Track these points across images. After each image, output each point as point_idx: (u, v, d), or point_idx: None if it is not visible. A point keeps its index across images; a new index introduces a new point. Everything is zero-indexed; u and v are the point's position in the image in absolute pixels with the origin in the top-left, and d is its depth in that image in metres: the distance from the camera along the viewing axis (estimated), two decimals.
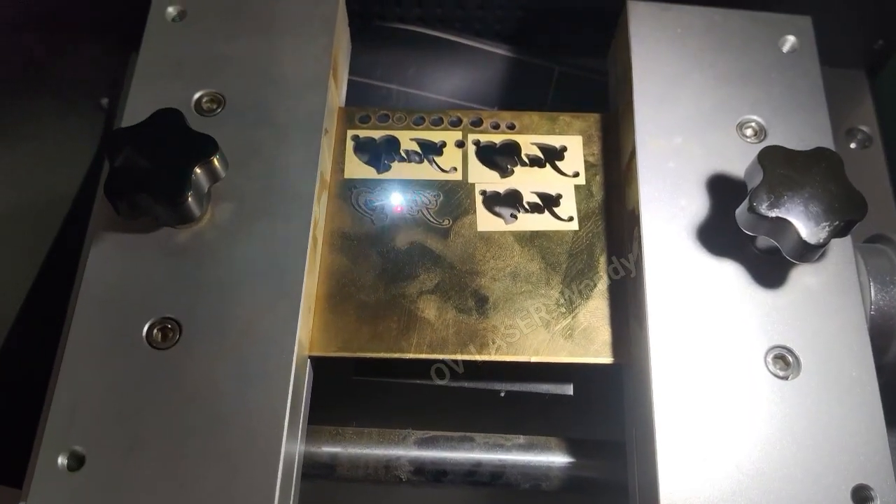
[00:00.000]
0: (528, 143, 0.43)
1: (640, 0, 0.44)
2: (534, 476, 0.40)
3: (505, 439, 0.40)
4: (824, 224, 0.34)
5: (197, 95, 0.41)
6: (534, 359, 0.38)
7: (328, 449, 0.40)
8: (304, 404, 0.37)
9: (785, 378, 0.35)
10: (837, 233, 0.34)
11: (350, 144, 0.43)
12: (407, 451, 0.40)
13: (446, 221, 0.41)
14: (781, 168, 0.35)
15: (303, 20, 0.43)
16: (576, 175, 0.43)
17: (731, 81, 0.42)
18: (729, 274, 0.37)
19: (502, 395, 0.40)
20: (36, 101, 0.55)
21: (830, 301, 0.37)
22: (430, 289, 0.39)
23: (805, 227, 0.34)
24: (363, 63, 0.56)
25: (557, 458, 0.40)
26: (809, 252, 0.34)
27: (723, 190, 0.39)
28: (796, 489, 0.33)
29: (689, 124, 0.40)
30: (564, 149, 0.43)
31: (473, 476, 0.40)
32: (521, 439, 0.40)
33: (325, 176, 0.41)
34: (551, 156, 0.43)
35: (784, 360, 0.35)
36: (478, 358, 0.38)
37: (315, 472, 0.39)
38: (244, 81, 0.41)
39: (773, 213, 0.34)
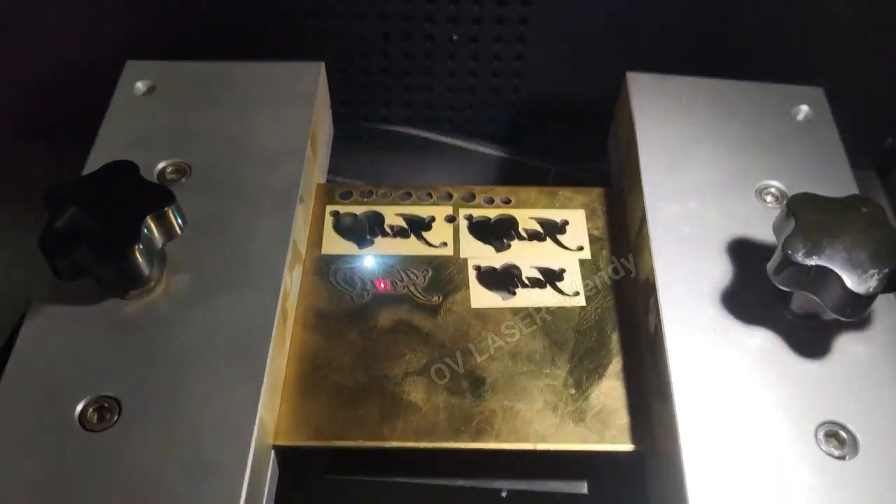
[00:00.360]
0: (526, 218, 0.39)
1: (640, 73, 0.42)
2: None
3: None
4: (872, 271, 0.29)
5: (160, 165, 0.37)
6: (540, 446, 0.32)
7: None
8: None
9: (841, 458, 0.29)
10: (888, 282, 0.29)
11: (329, 221, 0.39)
12: None
13: (436, 298, 0.36)
14: (815, 214, 0.31)
15: (280, 95, 0.40)
16: (580, 249, 0.38)
17: (745, 150, 0.39)
18: (763, 342, 0.32)
19: (503, 494, 0.34)
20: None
21: (883, 370, 0.31)
22: (417, 370, 0.34)
23: (850, 275, 0.29)
24: (349, 166, 0.53)
25: None
26: (857, 305, 0.29)
27: (746, 254, 0.35)
28: None
29: (704, 190, 0.37)
30: (566, 223, 0.39)
31: None
32: None
33: (299, 247, 0.36)
34: (552, 230, 0.39)
35: (838, 438, 0.30)
36: (474, 447, 0.32)
37: None
38: (213, 152, 0.38)
39: (811, 262, 0.29)
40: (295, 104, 0.40)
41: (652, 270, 0.34)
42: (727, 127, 0.39)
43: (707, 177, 0.37)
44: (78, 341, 0.31)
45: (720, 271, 0.34)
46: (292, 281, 0.35)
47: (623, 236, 0.39)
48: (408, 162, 0.55)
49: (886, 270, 0.29)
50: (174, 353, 0.31)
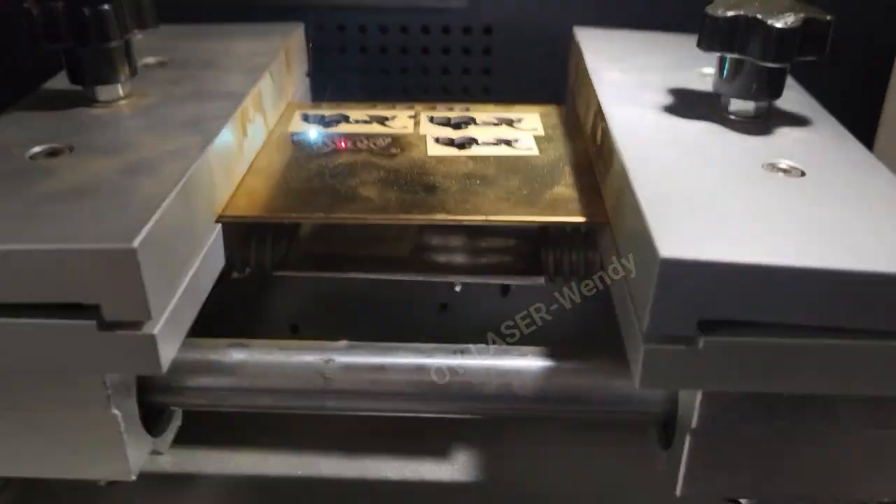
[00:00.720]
0: (484, 115, 0.42)
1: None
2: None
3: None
4: (788, 14, 0.31)
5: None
6: (492, 217, 0.31)
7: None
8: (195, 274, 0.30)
9: (787, 171, 0.29)
10: (804, 27, 0.31)
11: (297, 116, 0.41)
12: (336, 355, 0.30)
13: (395, 150, 0.37)
14: None
15: (256, 34, 0.45)
16: (534, 129, 0.40)
17: (686, 54, 0.42)
18: (700, 129, 0.33)
19: (457, 288, 0.32)
20: None
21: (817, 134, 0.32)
22: (371, 181, 0.34)
23: (767, 17, 0.31)
24: None
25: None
26: (781, 43, 0.31)
27: (685, 95, 0.36)
28: None
29: (647, 69, 0.39)
30: (521, 119, 0.41)
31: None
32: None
33: (264, 107, 0.38)
34: (509, 122, 0.41)
35: (783, 170, 0.30)
36: (423, 219, 0.31)
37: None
38: (188, 53, 0.41)
39: (730, 13, 0.32)
40: (271, 36, 0.44)
41: (597, 100, 0.35)
42: (668, 48, 0.43)
43: (651, 63, 0.40)
44: (41, 123, 0.33)
45: (662, 98, 0.36)
46: (254, 117, 0.36)
47: (576, 130, 0.41)
48: None
49: (802, 15, 0.31)
50: (132, 126, 0.32)
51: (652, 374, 0.25)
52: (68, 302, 0.25)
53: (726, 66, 0.33)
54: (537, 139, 0.39)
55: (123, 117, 0.33)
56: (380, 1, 0.54)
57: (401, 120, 0.41)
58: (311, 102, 0.44)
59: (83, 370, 0.26)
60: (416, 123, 0.41)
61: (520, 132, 0.40)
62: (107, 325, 0.25)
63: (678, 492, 0.27)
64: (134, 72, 0.35)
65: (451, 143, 0.38)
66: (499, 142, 0.38)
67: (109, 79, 0.34)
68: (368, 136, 0.39)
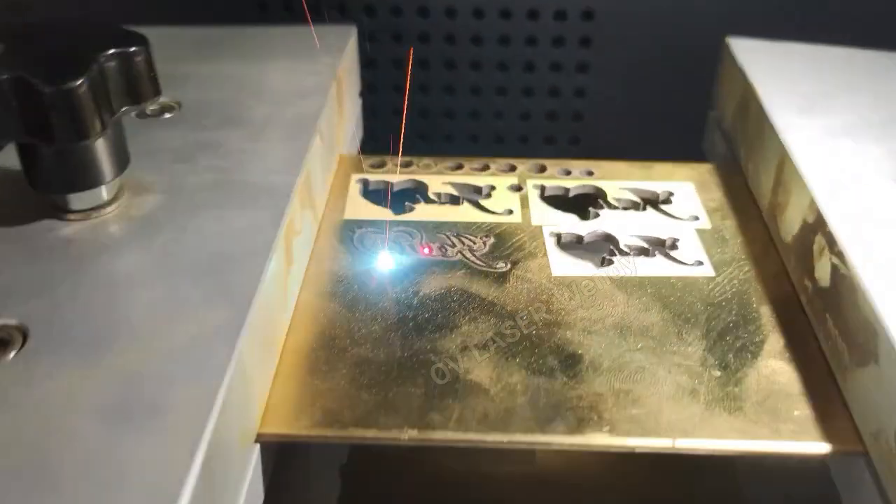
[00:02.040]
0: (617, 189, 0.30)
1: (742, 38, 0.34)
2: None
3: None
4: None
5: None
6: (681, 444, 0.20)
7: None
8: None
9: None
10: None
11: (355, 189, 0.29)
12: None
13: (501, 265, 0.26)
14: None
15: (300, 49, 0.32)
16: (695, 219, 0.28)
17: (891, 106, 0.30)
18: None
19: None
20: None
21: None
22: (479, 343, 0.23)
23: None
24: None
25: None
26: None
27: None
28: None
29: (857, 131, 0.27)
30: (671, 194, 0.29)
31: None
32: None
33: (313, 193, 0.26)
34: (653, 201, 0.29)
35: None
36: (575, 442, 0.20)
37: None
38: (211, 91, 0.29)
39: None
40: (320, 53, 0.32)
41: (812, 206, 0.24)
42: (866, 84, 0.31)
43: (858, 119, 0.28)
44: None
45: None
46: (302, 219, 0.25)
47: (749, 209, 0.29)
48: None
49: None
50: (119, 274, 0.21)
51: None
52: None
53: None
54: (702, 237, 0.27)
55: (107, 248, 0.22)
56: None
57: (500, 195, 0.29)
58: (369, 158, 0.31)
59: None
60: (524, 201, 0.29)
61: (675, 224, 0.28)
62: None
63: None
64: (125, 164, 0.23)
65: (580, 244, 0.27)
66: (651, 247, 0.27)
67: (88, 184, 0.22)
68: (460, 234, 0.27)
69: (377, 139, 0.40)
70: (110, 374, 0.18)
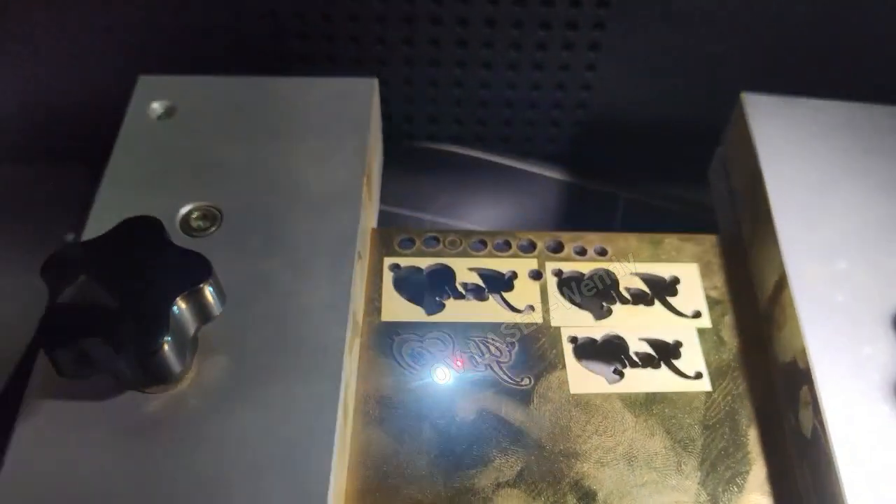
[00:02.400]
0: (628, 275, 0.32)
1: (759, 94, 0.34)
2: None
3: None
4: None
5: (184, 210, 0.30)
6: None
7: None
8: None
9: None
10: None
11: (388, 277, 0.32)
12: None
13: (526, 380, 0.29)
14: None
15: (327, 118, 0.33)
16: (697, 316, 0.31)
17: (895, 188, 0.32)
18: None
19: None
20: None
21: None
22: (510, 479, 0.27)
23: None
24: (392, 189, 0.45)
25: None
26: None
27: None
28: None
29: (854, 242, 0.30)
30: (677, 280, 0.32)
31: None
32: None
33: (357, 317, 0.29)
34: (660, 290, 0.32)
35: None
36: None
37: None
38: (248, 193, 0.31)
39: None
40: (345, 131, 0.33)
41: (803, 353, 0.27)
42: (871, 161, 0.33)
43: (856, 223, 0.30)
44: (83, 452, 0.24)
45: (889, 353, 0.27)
46: (352, 364, 0.28)
47: (748, 296, 0.32)
48: (457, 185, 0.48)
49: None
50: (207, 476, 0.24)
51: None
52: None
53: None
54: (702, 338, 0.31)
55: (187, 436, 0.25)
56: None
57: (523, 287, 0.32)
58: (397, 232, 0.33)
59: None
60: (544, 295, 0.31)
61: (679, 324, 0.31)
62: None
63: None
64: (195, 351, 0.26)
65: (594, 350, 0.30)
66: (657, 356, 0.30)
67: (166, 381, 0.25)
68: (488, 342, 0.30)
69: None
70: None
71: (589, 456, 0.28)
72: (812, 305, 0.28)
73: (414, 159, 0.49)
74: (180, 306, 0.23)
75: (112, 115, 0.33)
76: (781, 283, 0.29)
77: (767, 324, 0.30)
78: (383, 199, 0.42)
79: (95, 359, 0.22)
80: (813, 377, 0.26)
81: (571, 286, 0.32)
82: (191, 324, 0.24)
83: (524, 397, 0.29)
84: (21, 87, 0.45)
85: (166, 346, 0.23)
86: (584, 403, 0.29)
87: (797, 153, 0.33)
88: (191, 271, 0.23)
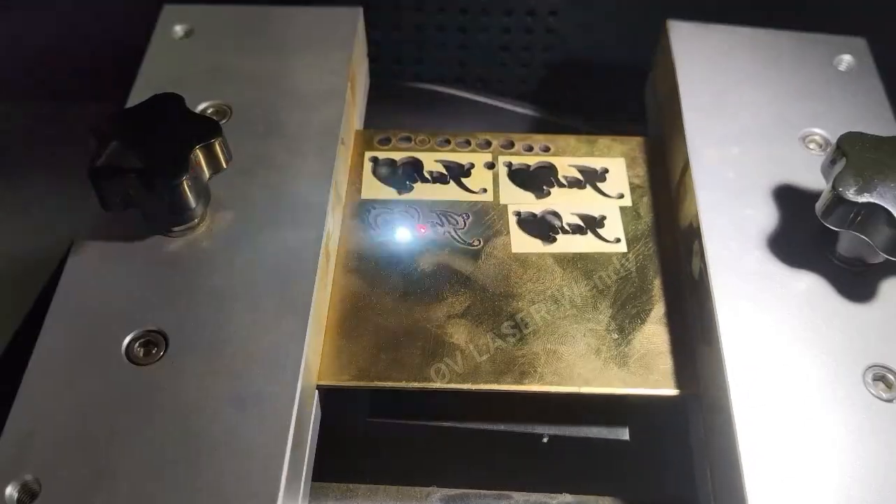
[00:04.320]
0: (566, 166, 0.39)
1: (681, 21, 0.41)
2: None
3: (549, 498, 0.33)
4: None
5: (201, 107, 0.37)
6: (584, 389, 0.32)
7: None
8: (308, 445, 0.31)
9: (889, 401, 0.29)
10: None
11: (368, 166, 0.39)
12: None
13: (476, 242, 0.36)
14: (867, 152, 0.30)
15: (319, 39, 0.40)
16: (620, 196, 0.38)
17: (789, 97, 0.38)
18: (808, 287, 0.32)
19: (545, 440, 0.34)
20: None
21: None
22: (459, 312, 0.34)
23: None
24: (380, 123, 0.52)
25: None
26: None
27: (791, 199, 0.34)
28: None
29: (747, 136, 0.36)
30: (606, 171, 0.39)
31: None
32: (569, 498, 0.34)
33: (339, 189, 0.36)
34: (592, 178, 0.39)
35: (885, 381, 0.29)
36: (517, 389, 0.32)
37: None
38: (253, 93, 0.38)
39: (862, 199, 0.29)
40: (334, 48, 0.39)
41: (696, 215, 0.34)
42: (770, 74, 0.39)
43: (750, 123, 0.37)
44: (122, 276, 0.31)
45: (765, 216, 0.34)
46: (334, 222, 0.35)
47: (664, 185, 0.38)
48: (440, 120, 0.55)
49: None
50: (219, 289, 0.31)
51: None
52: None
53: (847, 238, 0.31)
54: (624, 214, 0.37)
55: (205, 263, 0.32)
56: None
57: (478, 174, 0.38)
58: (377, 132, 0.40)
59: None
60: (496, 181, 0.38)
61: (605, 203, 0.38)
62: None
63: None
64: (209, 201, 0.33)
65: (533, 222, 0.37)
66: (585, 226, 0.37)
67: (186, 221, 0.32)
68: (447, 213, 0.37)
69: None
70: (227, 373, 0.29)
71: (523, 297, 0.34)
72: (706, 179, 0.35)
73: (400, 98, 0.55)
74: (196, 155, 0.30)
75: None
76: (685, 167, 0.36)
77: (675, 201, 0.37)
78: None
79: (132, 190, 0.29)
80: (701, 231, 0.33)
81: (519, 175, 0.39)
82: (205, 171, 0.31)
83: (474, 255, 0.36)
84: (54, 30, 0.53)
85: (185, 184, 0.29)
86: (523, 260, 0.35)
87: (709, 68, 0.39)
88: (205, 130, 0.30)
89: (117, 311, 0.30)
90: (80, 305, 0.31)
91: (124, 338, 0.30)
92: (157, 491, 0.26)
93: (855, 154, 0.30)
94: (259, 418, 0.28)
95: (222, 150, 0.31)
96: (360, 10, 0.41)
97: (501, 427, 0.34)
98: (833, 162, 0.31)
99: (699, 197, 0.34)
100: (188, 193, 0.30)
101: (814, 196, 0.33)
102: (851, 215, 0.30)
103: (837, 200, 0.30)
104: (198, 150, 0.30)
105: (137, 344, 0.30)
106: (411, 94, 0.55)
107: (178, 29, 0.40)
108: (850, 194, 0.29)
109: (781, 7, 0.46)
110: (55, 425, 0.28)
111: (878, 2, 0.48)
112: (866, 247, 0.31)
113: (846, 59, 0.40)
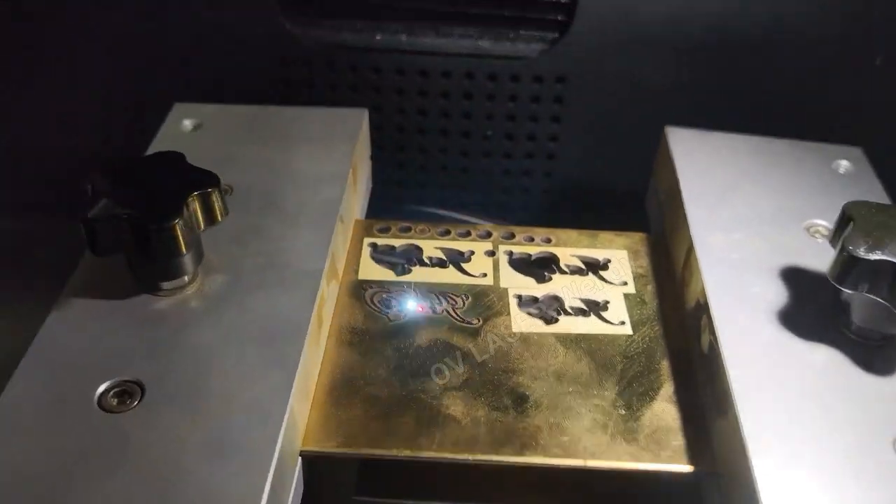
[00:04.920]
0: (568, 255, 0.38)
1: (679, 127, 0.42)
2: None
3: None
4: None
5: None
6: (591, 463, 0.29)
7: None
8: None
9: None
10: None
11: (367, 251, 0.38)
12: None
13: (475, 321, 0.35)
14: (874, 216, 0.30)
15: (324, 133, 0.41)
16: (624, 284, 0.37)
17: (790, 192, 0.38)
18: (825, 359, 0.30)
19: None
20: None
21: None
22: (456, 385, 0.32)
23: None
24: None
25: None
26: None
27: (798, 278, 0.33)
28: None
29: (750, 224, 0.36)
30: (608, 261, 0.38)
31: None
32: None
33: (336, 263, 0.35)
34: (594, 267, 0.38)
35: None
36: (517, 461, 0.29)
37: None
38: (255, 176, 0.38)
39: (873, 256, 0.28)
40: (339, 141, 0.40)
41: (703, 292, 0.33)
42: (770, 173, 0.39)
43: (752, 213, 0.37)
44: (103, 330, 0.30)
45: (774, 293, 0.33)
46: (329, 291, 0.34)
47: (668, 274, 0.38)
48: None
49: None
50: (203, 345, 0.30)
51: None
52: None
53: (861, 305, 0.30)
54: (628, 300, 0.36)
55: (192, 321, 0.30)
56: (444, 45, 0.49)
57: (478, 260, 0.38)
58: (377, 222, 0.40)
59: None
60: (496, 266, 0.37)
61: (609, 289, 0.37)
62: None
63: None
64: (201, 259, 0.32)
65: (536, 306, 0.36)
66: (588, 309, 0.36)
67: (175, 277, 0.31)
68: (446, 294, 0.36)
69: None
70: (203, 423, 0.27)
71: (524, 372, 0.32)
72: (712, 260, 0.34)
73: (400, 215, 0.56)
74: (191, 202, 0.29)
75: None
76: (690, 250, 0.35)
77: (681, 284, 0.36)
78: None
79: (124, 232, 0.29)
80: (709, 305, 0.32)
81: (520, 263, 0.38)
82: (199, 220, 0.30)
83: (473, 332, 0.34)
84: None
85: (177, 228, 0.29)
86: (524, 339, 0.34)
87: (709, 166, 0.40)
88: (202, 179, 0.30)
89: (94, 361, 0.29)
90: (56, 355, 0.29)
91: (98, 387, 0.28)
92: None
93: (861, 217, 0.30)
94: (235, 472, 0.25)
95: (219, 201, 0.30)
96: (366, 111, 0.43)
97: None
98: (840, 229, 0.31)
99: (705, 274, 0.33)
100: (180, 241, 0.29)
101: (822, 278, 0.32)
102: (863, 274, 0.29)
103: (849, 260, 0.29)
104: (194, 197, 0.29)
105: (111, 393, 0.28)
106: (411, 214, 0.56)
107: (188, 123, 0.41)
108: (861, 252, 0.28)
109: (776, 126, 0.48)
110: (30, 473, 0.25)
111: (873, 114, 0.50)
112: (883, 313, 0.29)
113: (844, 164, 0.40)
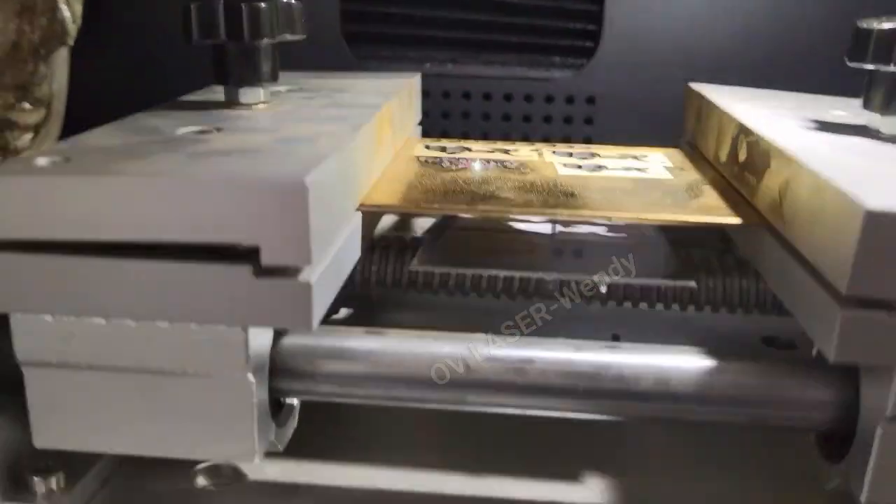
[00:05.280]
0: (607, 152, 0.41)
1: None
2: None
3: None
4: None
5: None
6: (644, 216, 0.30)
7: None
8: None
9: None
10: None
11: (420, 145, 0.41)
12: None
13: (525, 169, 0.37)
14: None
15: (376, 86, 0.46)
16: (662, 162, 0.39)
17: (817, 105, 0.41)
18: (866, 143, 0.32)
19: (603, 289, 0.31)
20: None
21: None
22: (509, 188, 0.33)
23: None
24: None
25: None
26: None
27: (830, 124, 0.35)
28: None
29: (780, 108, 0.39)
30: (646, 156, 0.41)
31: None
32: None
33: (392, 118, 0.38)
34: (633, 157, 0.40)
35: None
36: (571, 216, 0.30)
37: None
38: (318, 84, 0.42)
39: (887, 25, 0.31)
40: (391, 79, 0.45)
41: (738, 125, 0.35)
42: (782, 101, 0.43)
43: (784, 108, 0.39)
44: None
45: (808, 125, 0.35)
46: (385, 134, 0.36)
47: (705, 164, 0.40)
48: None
49: None
50: (273, 118, 0.32)
51: (850, 345, 0.23)
52: (224, 243, 0.23)
53: (880, 81, 0.32)
54: (667, 169, 0.38)
55: (267, 115, 0.33)
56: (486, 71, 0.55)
57: (524, 152, 0.41)
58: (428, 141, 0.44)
59: (230, 321, 0.24)
60: (540, 155, 0.40)
61: (648, 163, 0.39)
62: (263, 271, 0.24)
63: (863, 499, 0.24)
64: (276, 76, 0.35)
65: (579, 168, 0.38)
66: (629, 168, 0.38)
67: (253, 81, 0.34)
68: (495, 160, 0.38)
69: None
70: (278, 136, 0.29)
71: (574, 186, 0.34)
72: (748, 115, 0.37)
73: None
74: (278, 4, 0.33)
75: None
76: (721, 119, 0.38)
77: (716, 158, 0.38)
78: None
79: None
80: (745, 124, 0.34)
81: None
82: (281, 24, 0.34)
83: (523, 173, 0.36)
84: None
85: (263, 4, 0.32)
86: (573, 176, 0.36)
87: (733, 93, 0.43)
88: None
89: (172, 124, 0.31)
90: None
91: (179, 129, 0.30)
92: None
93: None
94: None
95: (299, 16, 0.34)
96: (419, 74, 0.48)
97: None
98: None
99: (739, 116, 0.35)
100: (265, 25, 0.32)
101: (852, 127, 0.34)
102: (881, 48, 0.31)
103: (863, 34, 0.31)
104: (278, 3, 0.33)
105: (193, 133, 0.30)
106: None
107: None
108: (874, 25, 0.31)
109: None
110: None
111: None
112: None
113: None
